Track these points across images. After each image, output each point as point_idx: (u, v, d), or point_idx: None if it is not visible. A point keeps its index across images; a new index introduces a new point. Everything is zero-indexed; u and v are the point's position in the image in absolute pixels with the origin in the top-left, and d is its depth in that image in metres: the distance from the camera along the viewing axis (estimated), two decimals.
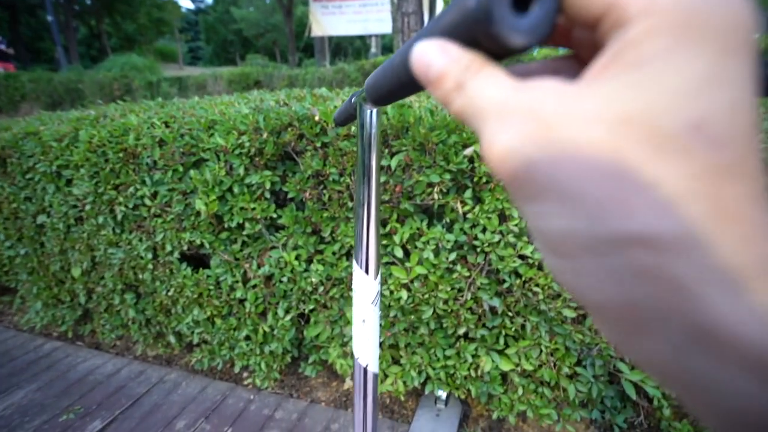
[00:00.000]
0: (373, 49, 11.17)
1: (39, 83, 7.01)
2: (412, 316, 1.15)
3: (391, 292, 1.16)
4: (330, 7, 9.79)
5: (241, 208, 1.24)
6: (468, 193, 1.01)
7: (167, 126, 1.34)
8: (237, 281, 1.34)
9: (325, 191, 1.15)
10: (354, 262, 0.54)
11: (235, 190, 1.23)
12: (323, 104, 1.13)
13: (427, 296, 1.11)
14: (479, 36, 0.15)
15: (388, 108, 1.07)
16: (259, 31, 25.08)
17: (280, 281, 1.28)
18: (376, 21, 9.41)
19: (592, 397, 1.10)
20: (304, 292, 1.26)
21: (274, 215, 1.24)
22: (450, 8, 0.17)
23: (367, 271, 0.54)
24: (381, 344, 1.26)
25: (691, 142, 0.11)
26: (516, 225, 0.98)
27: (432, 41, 0.16)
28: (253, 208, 1.23)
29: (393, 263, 1.14)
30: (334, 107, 1.13)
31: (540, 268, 1.01)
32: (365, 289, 0.55)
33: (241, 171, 1.20)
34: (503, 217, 1.01)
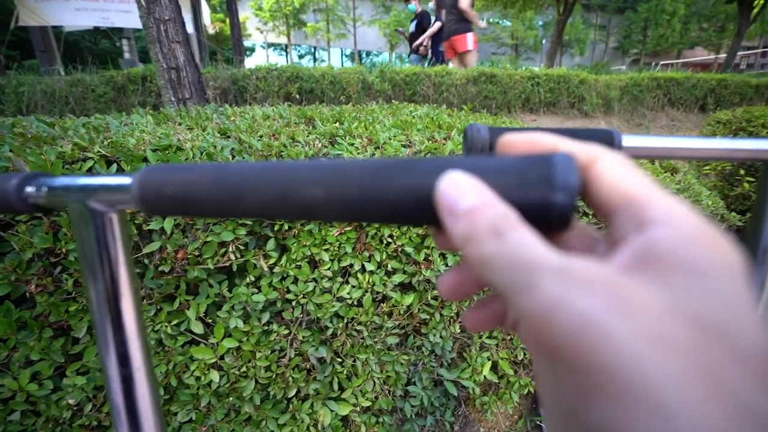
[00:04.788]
0: (126, 55, 9.27)
1: None
2: (230, 398, 0.95)
3: (198, 378, 0.92)
4: None
5: None
6: (271, 244, 0.89)
7: None
8: None
9: (65, 275, 0.80)
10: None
11: None
12: (34, 151, 0.78)
13: (244, 369, 0.93)
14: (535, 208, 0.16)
15: (149, 152, 0.83)
16: None
17: (12, 412, 0.84)
18: (120, 12, 7.50)
19: (425, 406, 1.17)
20: (58, 421, 0.87)
21: None
22: (505, 166, 0.17)
23: None
24: None
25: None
26: (328, 269, 0.92)
27: (468, 177, 0.16)
28: None
29: (193, 342, 0.91)
30: (60, 154, 0.80)
31: (360, 305, 0.99)
32: None
33: None
34: (314, 263, 0.93)
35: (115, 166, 0.84)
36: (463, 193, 0.16)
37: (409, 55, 5.66)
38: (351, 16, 19.92)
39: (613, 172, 0.17)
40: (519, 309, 0.13)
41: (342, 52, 25.69)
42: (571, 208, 0.16)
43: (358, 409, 1.08)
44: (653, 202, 0.15)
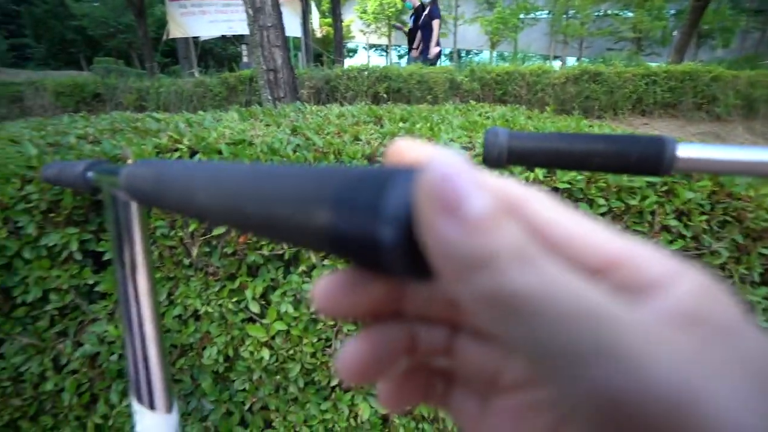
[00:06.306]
0: (245, 59, 10.49)
1: None
2: (278, 376, 1.02)
3: (251, 353, 1.01)
4: (189, 6, 8.78)
5: (40, 278, 0.95)
6: None
7: None
8: (47, 369, 1.04)
9: (153, 248, 0.94)
10: (132, 397, 0.40)
11: (26, 254, 0.94)
12: (140, 142, 0.93)
13: (291, 352, 1.00)
14: None
15: (223, 146, 0.93)
16: (108, 31, 21.55)
17: (109, 360, 1.03)
18: (242, 21, 8.68)
19: None
20: None
21: (91, 281, 0.98)
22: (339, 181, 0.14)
23: (152, 406, 0.40)
24: (250, 408, 1.10)
25: None
26: None
27: (465, 163, 0.11)
28: (58, 276, 0.95)
29: (251, 320, 1.00)
30: (156, 146, 0.94)
31: None
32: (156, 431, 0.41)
33: (32, 230, 0.92)
34: None
35: (198, 156, 0.96)
36: (473, 189, 0.10)
37: (408, 53, 5.50)
38: (453, 15, 19.66)
39: (565, 224, 0.12)
40: (580, 381, 0.09)
41: (441, 51, 25.50)
42: (400, 251, 0.11)
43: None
44: (645, 262, 0.12)
